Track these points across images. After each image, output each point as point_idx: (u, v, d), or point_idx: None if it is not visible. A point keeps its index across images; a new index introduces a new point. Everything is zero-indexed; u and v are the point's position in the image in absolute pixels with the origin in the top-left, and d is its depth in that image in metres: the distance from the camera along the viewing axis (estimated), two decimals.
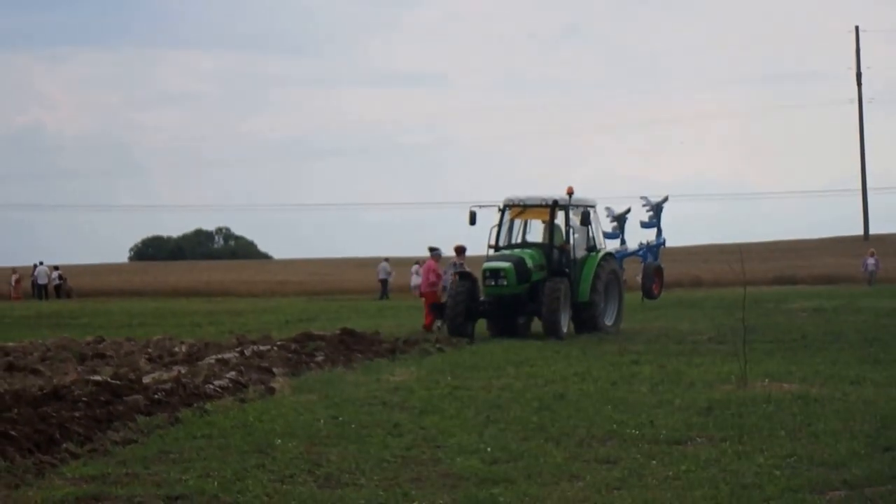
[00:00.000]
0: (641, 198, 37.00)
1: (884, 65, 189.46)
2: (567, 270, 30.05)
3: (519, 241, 31.27)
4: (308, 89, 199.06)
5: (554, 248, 30.49)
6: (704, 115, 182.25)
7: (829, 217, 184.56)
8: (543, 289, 29.35)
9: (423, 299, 33.86)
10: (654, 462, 12.04)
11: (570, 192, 30.57)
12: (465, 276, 30.55)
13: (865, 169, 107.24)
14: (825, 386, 17.65)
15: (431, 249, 33.70)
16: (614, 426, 14.13)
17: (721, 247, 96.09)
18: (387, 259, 68.52)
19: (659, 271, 34.60)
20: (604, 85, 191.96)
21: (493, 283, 29.54)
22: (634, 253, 36.06)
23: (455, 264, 32.27)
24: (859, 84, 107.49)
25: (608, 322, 30.78)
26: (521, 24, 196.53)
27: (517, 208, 31.14)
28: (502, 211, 31.06)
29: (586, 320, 30.01)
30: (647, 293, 34.11)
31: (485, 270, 29.75)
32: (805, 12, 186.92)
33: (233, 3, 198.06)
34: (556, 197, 30.50)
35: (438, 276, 32.69)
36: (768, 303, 43.62)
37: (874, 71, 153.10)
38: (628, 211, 35.41)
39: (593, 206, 31.80)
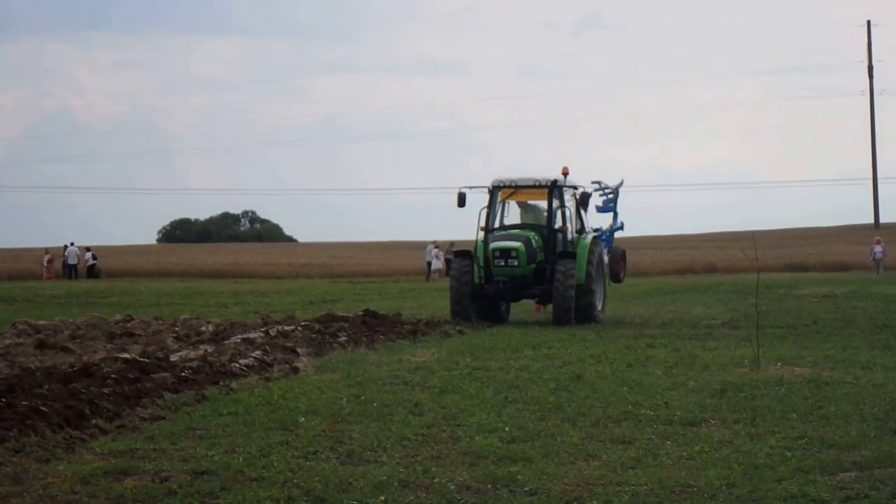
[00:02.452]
0: (594, 182, 35.12)
1: (895, 57, 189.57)
2: (575, 252, 28.80)
3: (496, 224, 29.87)
4: (332, 76, 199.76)
5: (555, 229, 29.46)
6: (719, 105, 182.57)
7: (840, 206, 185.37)
8: (554, 270, 28.23)
9: None
10: (668, 442, 12.15)
11: (566, 173, 29.74)
12: (465, 255, 29.46)
13: (876, 159, 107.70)
14: (836, 370, 17.73)
15: None
16: (629, 407, 14.26)
17: (734, 234, 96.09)
18: (434, 242, 68.70)
19: (624, 256, 33.58)
20: (620, 74, 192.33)
21: (503, 262, 28.49)
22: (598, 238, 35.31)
23: None
24: (871, 76, 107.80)
25: (598, 306, 29.34)
26: (539, 14, 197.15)
27: (508, 189, 29.90)
28: (492, 192, 29.80)
29: (582, 301, 28.28)
30: (614, 276, 32.93)
31: (494, 250, 28.62)
32: (819, 6, 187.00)
33: None
34: (554, 177, 29.53)
35: None
36: (780, 289, 43.63)
37: (885, 64, 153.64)
38: (589, 196, 34.28)
39: (578, 188, 30.65)
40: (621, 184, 34.63)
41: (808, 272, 68.37)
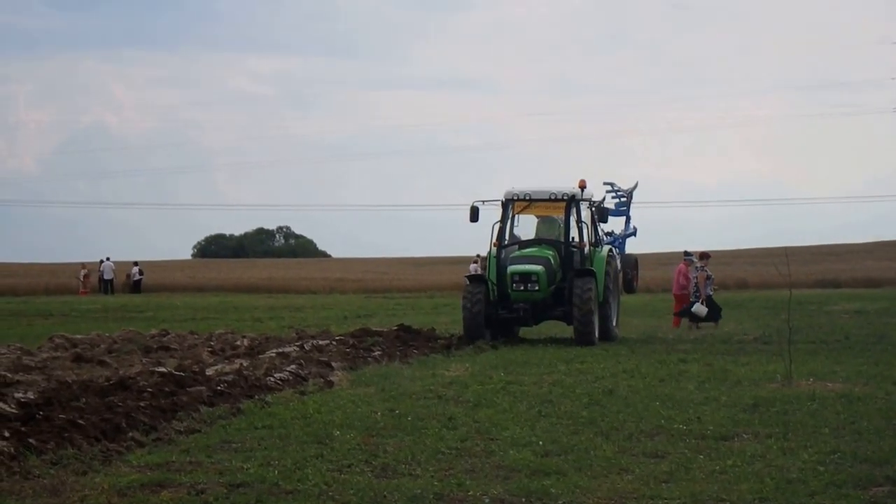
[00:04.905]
0: (606, 183, 33.18)
1: None
2: (593, 269, 27.34)
3: (508, 238, 28.43)
4: (365, 92, 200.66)
5: (573, 246, 28.02)
6: (750, 121, 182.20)
7: (871, 222, 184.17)
8: (571, 291, 26.80)
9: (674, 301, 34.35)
10: (701, 457, 12.15)
11: (583, 186, 28.32)
12: (477, 280, 27.85)
13: None
14: (868, 385, 17.69)
15: (686, 254, 34.00)
16: (662, 421, 14.29)
17: (766, 250, 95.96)
18: (475, 258, 68.55)
19: (636, 265, 32.30)
20: (648, 90, 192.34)
21: (522, 287, 27.04)
22: (611, 244, 34.20)
23: (699, 267, 32.45)
24: None
25: (614, 321, 28.31)
26: (566, 30, 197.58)
27: (522, 203, 28.53)
28: (505, 206, 28.32)
29: (601, 321, 27.12)
30: (628, 286, 31.44)
31: (513, 273, 27.10)
32: (849, 22, 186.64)
33: (289, 10, 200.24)
34: (572, 191, 28.12)
35: (688, 280, 32.92)
36: (811, 305, 43.33)
37: None
38: (607, 210, 32.80)
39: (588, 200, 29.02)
40: (635, 187, 33.13)
41: (839, 288, 67.93)
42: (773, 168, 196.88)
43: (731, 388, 17.47)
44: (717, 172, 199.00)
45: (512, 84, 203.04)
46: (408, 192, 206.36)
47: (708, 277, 32.37)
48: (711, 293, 32.60)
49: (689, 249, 34.52)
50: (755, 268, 78.32)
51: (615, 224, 32.09)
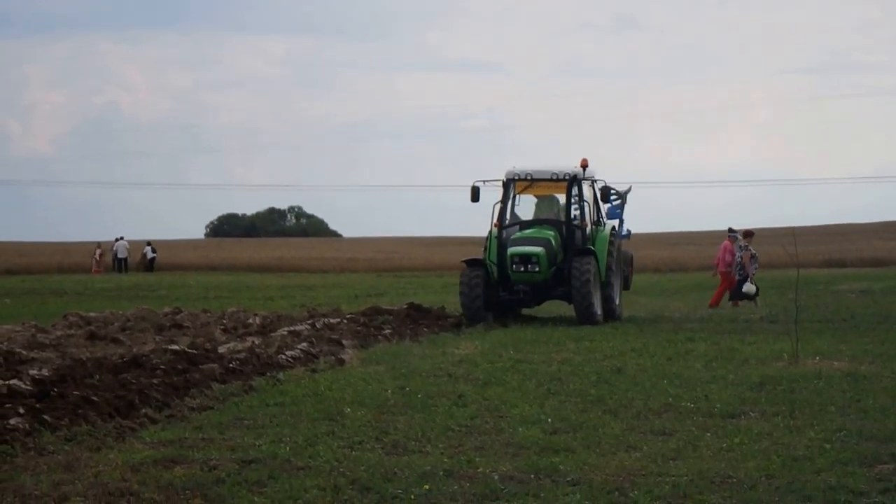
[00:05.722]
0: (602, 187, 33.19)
1: None
2: (592, 248, 26.94)
3: (509, 217, 27.89)
4: (376, 74, 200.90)
5: (574, 226, 27.47)
6: (757, 102, 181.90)
7: (878, 202, 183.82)
8: (571, 270, 26.42)
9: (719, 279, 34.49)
10: (708, 434, 12.22)
11: (585, 165, 27.76)
12: (475, 265, 27.04)
13: None
14: (874, 364, 17.75)
15: (730, 231, 34.16)
16: (670, 400, 14.35)
17: (773, 230, 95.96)
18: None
19: (631, 261, 32.28)
20: (656, 73, 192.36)
21: (522, 269, 26.46)
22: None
23: (742, 246, 32.61)
24: None
25: (616, 300, 27.87)
26: (575, 13, 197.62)
27: (524, 182, 27.96)
28: (506, 186, 27.78)
29: (604, 300, 26.90)
30: (624, 282, 31.40)
31: (513, 255, 26.53)
32: (857, 4, 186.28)
33: None
34: (574, 171, 27.54)
35: (733, 257, 33.16)
36: (818, 285, 43.42)
37: None
38: (610, 190, 32.26)
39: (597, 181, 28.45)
40: (629, 190, 32.89)
41: (845, 268, 67.75)
42: (780, 149, 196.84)
43: (738, 367, 17.53)
44: (724, 153, 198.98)
45: (522, 67, 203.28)
46: (418, 172, 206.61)
47: (752, 256, 32.64)
48: (755, 272, 32.87)
49: (734, 227, 34.70)
50: (763, 248, 78.15)
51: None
